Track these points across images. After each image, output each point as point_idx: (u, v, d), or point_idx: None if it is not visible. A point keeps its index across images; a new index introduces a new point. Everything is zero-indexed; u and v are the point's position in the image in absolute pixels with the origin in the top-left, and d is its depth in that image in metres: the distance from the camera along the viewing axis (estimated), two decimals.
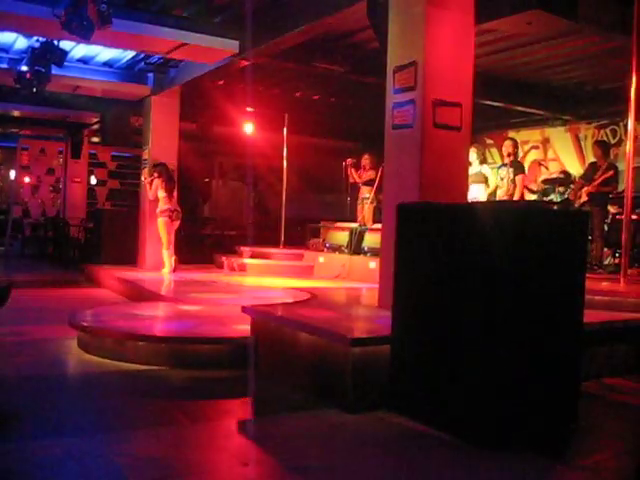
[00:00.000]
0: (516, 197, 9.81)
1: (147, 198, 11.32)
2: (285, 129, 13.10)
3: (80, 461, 3.36)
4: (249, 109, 13.16)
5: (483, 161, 11.06)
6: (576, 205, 9.62)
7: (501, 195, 10.17)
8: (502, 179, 10.19)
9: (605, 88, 11.42)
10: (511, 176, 9.97)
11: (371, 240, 10.49)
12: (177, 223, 10.81)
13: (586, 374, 5.11)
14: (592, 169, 9.97)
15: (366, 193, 11.98)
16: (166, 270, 10.67)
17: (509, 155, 10.20)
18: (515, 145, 10.44)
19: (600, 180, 9.57)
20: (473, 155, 10.09)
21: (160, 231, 10.68)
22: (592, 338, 5.22)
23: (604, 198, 9.76)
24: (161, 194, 10.68)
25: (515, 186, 9.91)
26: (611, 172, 9.59)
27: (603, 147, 10.22)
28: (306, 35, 8.13)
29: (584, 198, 9.60)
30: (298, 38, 8.25)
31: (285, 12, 8.01)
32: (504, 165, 10.27)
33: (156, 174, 10.80)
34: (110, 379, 5.14)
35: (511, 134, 14.40)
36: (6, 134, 18.39)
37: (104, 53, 10.72)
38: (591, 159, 11.36)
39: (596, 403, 4.84)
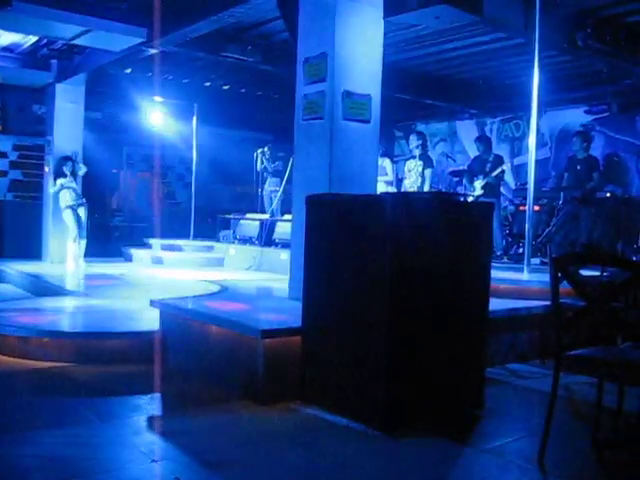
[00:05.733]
0: (426, 190, 9.97)
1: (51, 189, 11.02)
2: (194, 119, 12.93)
3: None
4: (158, 98, 12.91)
5: (385, 154, 11.17)
6: (470, 198, 9.85)
7: (407, 187, 10.32)
8: (410, 171, 10.35)
9: (509, 83, 11.74)
10: (419, 169, 10.13)
11: (282, 231, 10.48)
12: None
13: (492, 360, 5.28)
14: (479, 163, 10.27)
15: (274, 184, 12.00)
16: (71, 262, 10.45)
17: (417, 147, 10.37)
18: (423, 138, 10.61)
19: (496, 173, 9.88)
20: None
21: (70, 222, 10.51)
22: (497, 325, 5.39)
23: (498, 189, 10.12)
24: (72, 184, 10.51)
25: (423, 179, 10.08)
26: (504, 165, 9.98)
27: (486, 141, 10.56)
28: (216, 24, 8.00)
29: (479, 191, 9.86)
30: (208, 27, 8.12)
31: (195, 0, 7.88)
32: (412, 157, 10.43)
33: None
34: (14, 378, 4.96)
35: (420, 127, 14.66)
36: None
37: (4, 37, 10.26)
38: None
39: (501, 388, 5.00)
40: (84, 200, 10.68)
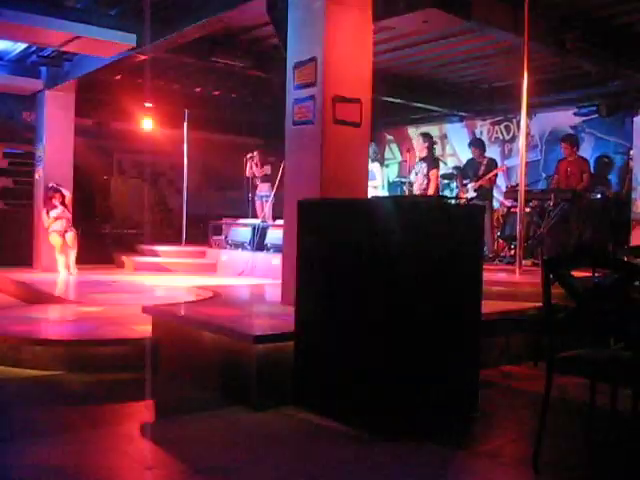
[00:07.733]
0: (431, 192, 9.92)
1: (41, 197, 10.98)
2: (185, 125, 12.92)
3: None
4: (148, 104, 12.88)
5: (376, 159, 11.16)
6: (462, 200, 9.87)
7: (415, 190, 10.29)
8: (416, 174, 10.31)
9: (499, 86, 11.78)
10: (425, 171, 10.11)
11: (274, 236, 10.48)
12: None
13: (485, 362, 5.27)
14: (473, 166, 10.33)
15: (264, 189, 12.00)
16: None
17: (421, 150, 10.37)
18: (429, 140, 10.54)
19: (489, 176, 9.94)
20: None
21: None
22: (490, 327, 5.39)
23: (490, 192, 10.18)
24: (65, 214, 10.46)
25: (429, 180, 10.04)
26: (499, 168, 10.08)
27: (480, 145, 10.62)
28: (205, 29, 8.01)
29: (472, 193, 9.90)
30: (197, 32, 8.12)
31: (184, 5, 7.87)
32: (419, 160, 10.39)
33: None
34: (6, 387, 4.93)
35: (410, 130, 14.68)
36: None
37: None
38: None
39: (495, 390, 5.00)
40: (73, 229, 10.60)
